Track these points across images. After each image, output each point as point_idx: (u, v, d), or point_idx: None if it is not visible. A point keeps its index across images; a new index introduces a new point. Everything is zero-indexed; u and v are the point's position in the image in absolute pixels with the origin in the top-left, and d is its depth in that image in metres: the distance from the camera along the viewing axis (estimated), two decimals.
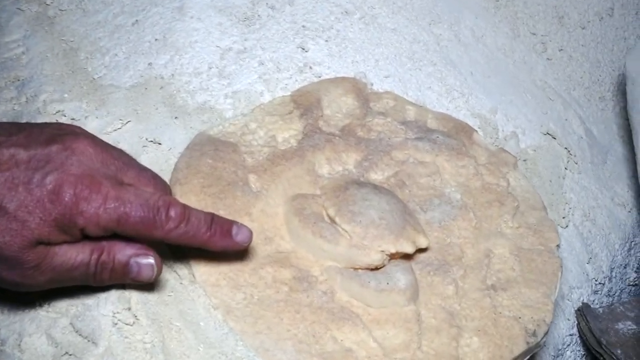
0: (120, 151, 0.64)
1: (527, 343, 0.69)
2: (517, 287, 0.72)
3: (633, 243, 1.08)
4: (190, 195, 0.69)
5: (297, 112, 0.81)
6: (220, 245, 0.63)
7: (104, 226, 0.58)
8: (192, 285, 0.66)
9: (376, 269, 0.68)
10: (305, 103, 0.82)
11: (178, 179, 0.70)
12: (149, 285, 0.65)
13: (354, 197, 0.70)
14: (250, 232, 0.64)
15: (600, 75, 1.23)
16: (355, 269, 0.68)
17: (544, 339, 0.70)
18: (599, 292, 0.99)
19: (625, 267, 1.06)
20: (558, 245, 0.78)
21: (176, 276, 0.66)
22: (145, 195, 0.60)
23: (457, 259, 0.72)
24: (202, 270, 0.66)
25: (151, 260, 0.61)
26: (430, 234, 0.74)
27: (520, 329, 0.69)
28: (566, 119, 1.10)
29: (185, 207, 0.61)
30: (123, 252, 0.61)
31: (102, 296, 0.64)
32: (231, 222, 0.64)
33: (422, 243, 0.70)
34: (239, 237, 0.63)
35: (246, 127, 0.78)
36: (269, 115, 0.80)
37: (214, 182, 0.70)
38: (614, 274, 1.03)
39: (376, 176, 0.78)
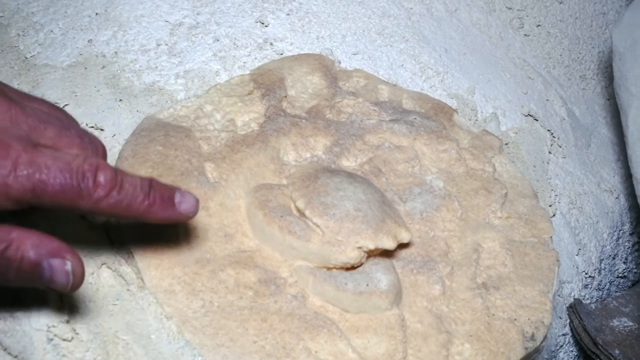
0: (40, 102, 0.57)
1: (525, 348, 0.64)
2: (511, 284, 0.68)
3: (621, 232, 1.05)
4: None
5: (257, 93, 0.77)
6: (161, 217, 0.55)
7: (17, 198, 0.49)
8: (141, 291, 0.60)
9: (353, 268, 0.64)
10: (266, 83, 0.78)
11: (123, 169, 0.61)
12: (90, 293, 0.59)
13: (325, 186, 0.66)
14: (196, 201, 0.57)
15: (580, 53, 1.20)
16: (329, 268, 0.63)
17: (543, 343, 0.65)
18: (589, 285, 0.95)
19: (614, 258, 1.03)
20: (551, 237, 0.73)
21: (122, 281, 0.61)
22: (67, 158, 0.51)
23: (442, 254, 0.68)
24: (153, 274, 0.60)
25: (67, 267, 0.52)
26: (412, 226, 0.70)
27: (517, 333, 0.65)
28: (547, 100, 1.07)
29: (117, 172, 0.53)
30: (36, 249, 0.50)
31: (35, 306, 0.57)
32: (173, 189, 0.56)
33: (404, 237, 0.65)
34: (183, 206, 0.56)
35: (201, 109, 0.73)
36: (226, 96, 0.75)
37: (164, 172, 0.65)
38: (603, 265, 1.00)
39: (348, 163, 0.74)
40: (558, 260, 0.71)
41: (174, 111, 0.73)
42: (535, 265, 0.70)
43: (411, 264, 0.67)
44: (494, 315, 0.65)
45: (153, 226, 0.58)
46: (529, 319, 0.66)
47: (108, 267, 0.61)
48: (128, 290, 0.61)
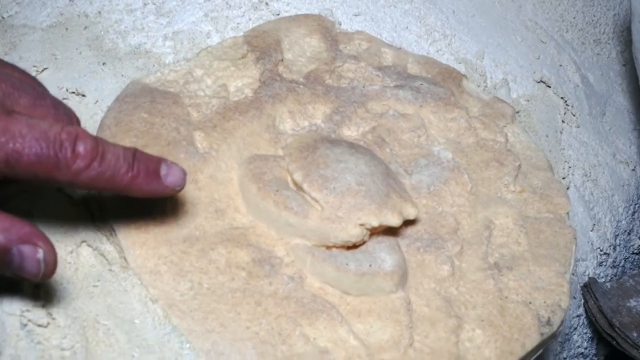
0: (12, 68, 0.55)
1: (541, 334, 0.61)
2: (525, 264, 0.65)
3: (637, 206, 1.03)
4: None
5: (252, 56, 0.74)
6: (145, 190, 0.53)
7: None
8: (124, 272, 0.58)
9: (354, 247, 0.61)
10: (261, 45, 0.76)
11: (105, 139, 0.59)
12: (69, 274, 0.56)
13: (325, 158, 0.63)
14: (184, 173, 0.54)
15: (594, 16, 1.17)
16: (329, 247, 0.60)
17: (560, 328, 0.62)
18: (604, 263, 0.93)
19: (629, 234, 1.01)
20: (568, 213, 0.70)
21: (103, 261, 0.58)
22: (43, 127, 0.48)
23: (451, 232, 0.66)
24: (137, 253, 0.57)
25: (39, 255, 0.49)
26: (418, 201, 0.67)
27: (532, 317, 0.61)
28: (560, 65, 1.04)
29: (98, 141, 0.50)
30: (6, 233, 0.47)
31: (7, 289, 0.54)
32: (159, 160, 0.54)
33: (411, 213, 0.62)
34: (170, 178, 0.53)
35: (190, 74, 0.71)
36: (218, 60, 0.73)
37: (150, 141, 0.63)
38: (618, 241, 0.97)
39: (350, 132, 0.72)
40: (575, 238, 0.68)
41: (162, 75, 0.70)
42: (551, 244, 0.67)
43: (417, 242, 0.64)
44: (507, 298, 0.62)
45: (137, 201, 0.56)
46: (544, 302, 0.63)
47: (88, 246, 0.59)
48: (110, 270, 0.58)
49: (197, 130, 0.65)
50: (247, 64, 0.74)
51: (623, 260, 0.98)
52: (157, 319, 0.56)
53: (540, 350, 0.62)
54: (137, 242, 0.58)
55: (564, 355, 0.83)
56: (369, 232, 0.61)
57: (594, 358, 0.90)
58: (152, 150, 0.62)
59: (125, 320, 0.56)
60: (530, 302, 0.63)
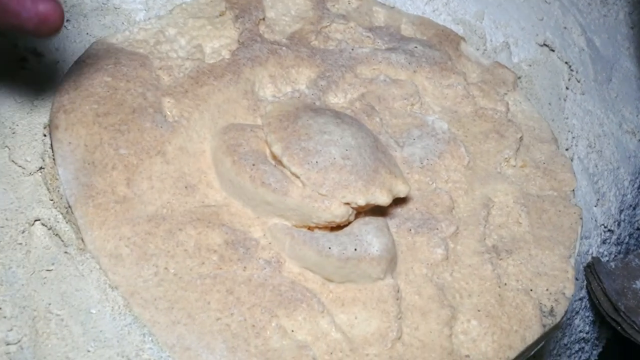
0: None
1: (544, 326, 0.59)
2: (526, 247, 0.64)
3: None
4: (79, 127, 0.58)
5: (230, 14, 0.72)
6: (9, 12, 0.50)
7: None
8: (81, 255, 0.55)
9: (339, 227, 0.59)
10: (241, 2, 0.73)
11: (62, 105, 0.59)
12: (19, 256, 0.53)
13: (307, 128, 0.60)
14: (59, 6, 0.51)
15: None
16: (311, 228, 0.58)
17: (564, 319, 0.58)
18: (608, 240, 0.91)
19: (634, 209, 0.99)
20: (574, 190, 0.68)
21: (58, 242, 0.55)
22: None
23: (446, 211, 0.63)
24: (96, 234, 0.54)
25: None
26: (410, 177, 0.65)
27: (533, 307, 0.59)
28: (565, 27, 1.01)
29: None
30: None
31: None
32: None
33: (401, 191, 0.60)
34: (42, 6, 0.50)
35: (162, 33, 0.68)
36: (194, 17, 0.71)
37: (112, 108, 0.60)
38: (622, 216, 0.95)
39: (336, 99, 0.69)
40: (581, 219, 0.66)
41: (130, 34, 0.68)
42: (555, 224, 0.66)
43: (408, 223, 0.62)
44: (506, 285, 0.60)
45: (98, 173, 0.54)
46: (547, 290, 0.61)
47: (42, 224, 0.55)
48: (66, 253, 0.55)
49: (166, 96, 0.62)
50: (224, 23, 0.71)
51: (627, 237, 0.96)
52: (116, 309, 0.53)
53: (542, 343, 0.59)
54: (96, 221, 0.55)
55: (565, 342, 0.81)
56: (354, 212, 0.59)
57: (595, 342, 0.87)
58: (115, 118, 0.59)
59: (80, 310, 0.53)
60: (531, 290, 0.61)
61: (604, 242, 0.89)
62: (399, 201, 0.62)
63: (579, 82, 0.96)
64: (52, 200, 0.56)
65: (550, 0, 1.01)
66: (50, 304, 0.52)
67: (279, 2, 0.76)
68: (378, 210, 0.60)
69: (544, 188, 0.68)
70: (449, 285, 0.59)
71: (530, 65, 0.91)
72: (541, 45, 0.95)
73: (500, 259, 0.62)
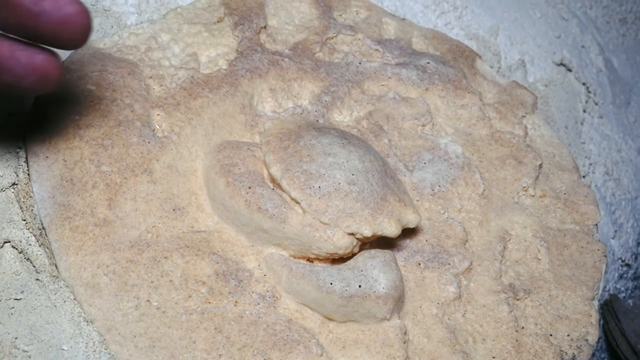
0: None
1: None
2: (546, 287, 0.62)
3: None
4: (58, 140, 0.56)
5: (229, 21, 0.71)
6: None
7: None
8: (54, 282, 0.53)
9: (342, 260, 0.57)
10: (241, 8, 0.72)
11: (40, 115, 0.58)
12: None
13: (310, 149, 0.58)
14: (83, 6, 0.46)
15: None
16: (310, 259, 0.57)
17: None
18: (625, 275, 0.90)
19: None
20: (597, 224, 0.67)
21: (29, 267, 0.53)
22: None
23: (459, 244, 0.62)
24: (71, 260, 0.52)
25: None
26: (420, 205, 0.64)
27: (554, 355, 0.58)
28: (583, 46, 1.00)
29: None
30: None
31: None
32: None
33: (411, 221, 0.58)
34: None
35: (154, 39, 0.67)
36: (189, 23, 0.70)
37: (95, 120, 0.58)
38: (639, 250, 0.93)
39: (341, 117, 0.68)
40: (605, 256, 0.65)
41: (119, 39, 0.67)
42: (577, 262, 0.64)
43: (417, 256, 0.60)
44: (524, 329, 0.58)
45: (76, 191, 0.52)
46: (568, 336, 0.59)
47: (12, 247, 0.53)
48: (37, 280, 0.53)
49: (155, 109, 0.61)
50: (222, 30, 0.70)
51: None
52: (91, 346, 0.51)
53: None
54: (72, 246, 0.53)
55: None
56: (359, 243, 0.57)
57: None
58: (98, 131, 0.57)
59: (51, 346, 0.50)
60: (551, 335, 0.59)
61: (620, 277, 0.87)
62: (407, 232, 0.60)
63: (596, 104, 0.94)
64: (24, 220, 0.54)
65: (567, 17, 1.00)
66: (16, 338, 0.50)
67: (282, 10, 0.75)
68: (384, 242, 0.59)
69: (565, 221, 0.66)
70: (461, 327, 0.57)
71: (546, 86, 0.90)
72: (558, 65, 0.93)
73: (518, 299, 0.60)
